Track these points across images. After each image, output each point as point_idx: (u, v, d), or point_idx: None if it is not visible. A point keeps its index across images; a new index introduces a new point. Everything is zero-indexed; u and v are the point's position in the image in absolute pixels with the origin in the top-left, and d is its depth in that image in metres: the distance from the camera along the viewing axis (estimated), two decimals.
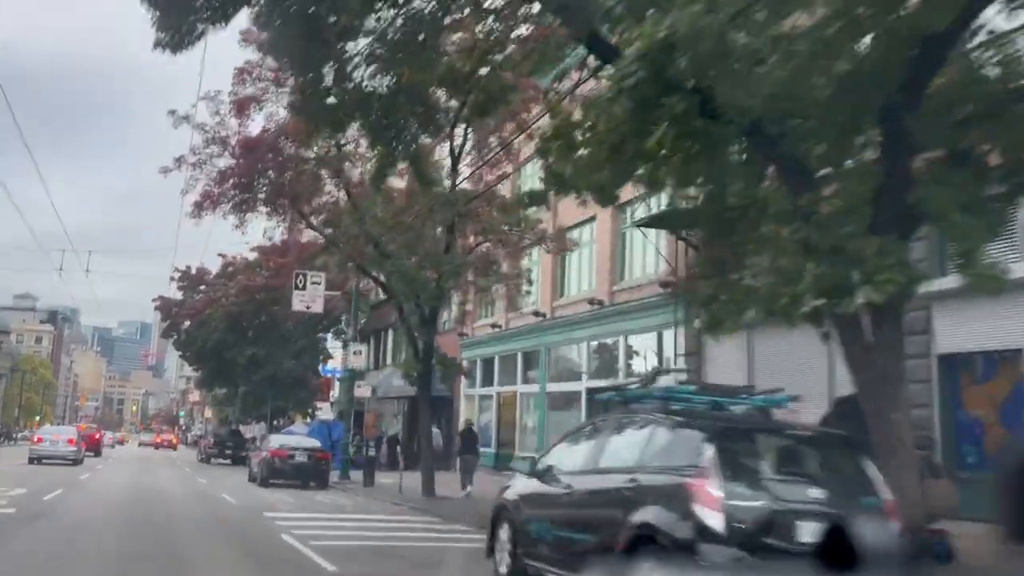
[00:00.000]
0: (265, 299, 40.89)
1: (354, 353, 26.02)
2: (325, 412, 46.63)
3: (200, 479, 27.74)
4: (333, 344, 45.68)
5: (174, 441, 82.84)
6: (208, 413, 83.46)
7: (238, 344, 42.76)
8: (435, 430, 27.50)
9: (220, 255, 45.22)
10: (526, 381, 27.42)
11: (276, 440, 25.42)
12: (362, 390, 26.84)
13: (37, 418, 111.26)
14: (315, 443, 25.24)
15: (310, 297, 25.61)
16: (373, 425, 43.96)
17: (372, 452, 26.20)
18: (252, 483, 25.25)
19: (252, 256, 44.27)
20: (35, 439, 33.30)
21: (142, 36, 11.54)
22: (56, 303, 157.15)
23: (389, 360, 40.23)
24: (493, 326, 29.25)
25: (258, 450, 26.42)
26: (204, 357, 44.42)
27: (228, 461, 42.56)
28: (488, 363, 30.60)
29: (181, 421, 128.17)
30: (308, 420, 44.28)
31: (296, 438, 26.24)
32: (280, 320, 41.93)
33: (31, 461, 30.59)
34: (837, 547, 2.32)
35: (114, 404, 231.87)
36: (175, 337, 47.92)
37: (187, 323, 45.27)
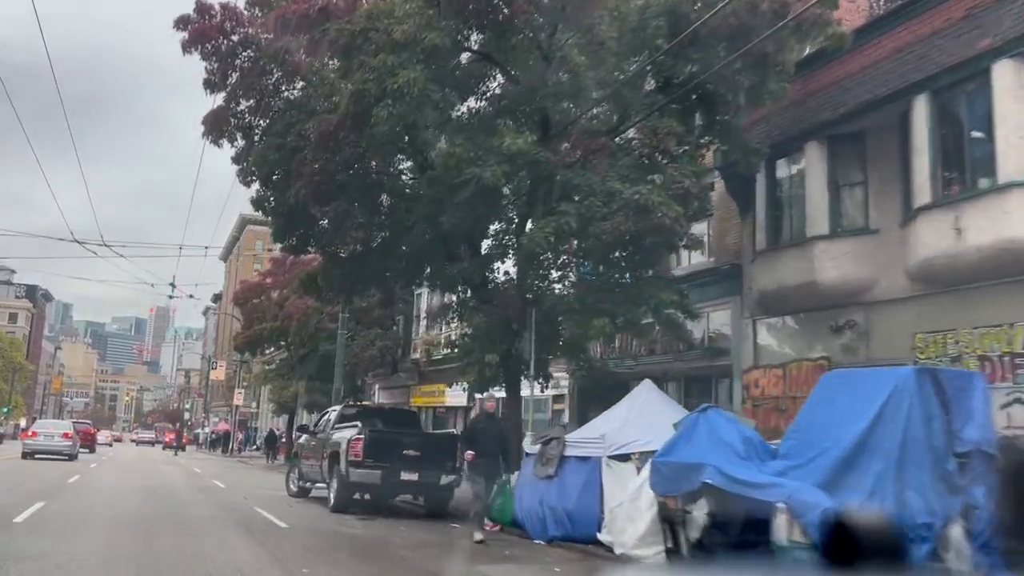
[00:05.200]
0: None
1: None
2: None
3: None
4: None
5: (184, 441, 68.73)
6: (238, 399, 56.45)
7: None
8: None
9: None
10: None
11: None
12: None
13: (5, 411, 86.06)
14: None
15: None
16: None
17: None
18: None
19: None
20: (29, 433, 33.14)
21: None
22: (56, 301, 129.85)
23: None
24: None
25: None
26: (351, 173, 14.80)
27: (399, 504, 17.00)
28: None
29: (186, 416, 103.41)
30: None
31: None
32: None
33: (24, 456, 29.78)
34: (839, 541, 2.05)
35: (106, 400, 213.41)
36: (232, 138, 16.26)
37: (276, 78, 15.74)
